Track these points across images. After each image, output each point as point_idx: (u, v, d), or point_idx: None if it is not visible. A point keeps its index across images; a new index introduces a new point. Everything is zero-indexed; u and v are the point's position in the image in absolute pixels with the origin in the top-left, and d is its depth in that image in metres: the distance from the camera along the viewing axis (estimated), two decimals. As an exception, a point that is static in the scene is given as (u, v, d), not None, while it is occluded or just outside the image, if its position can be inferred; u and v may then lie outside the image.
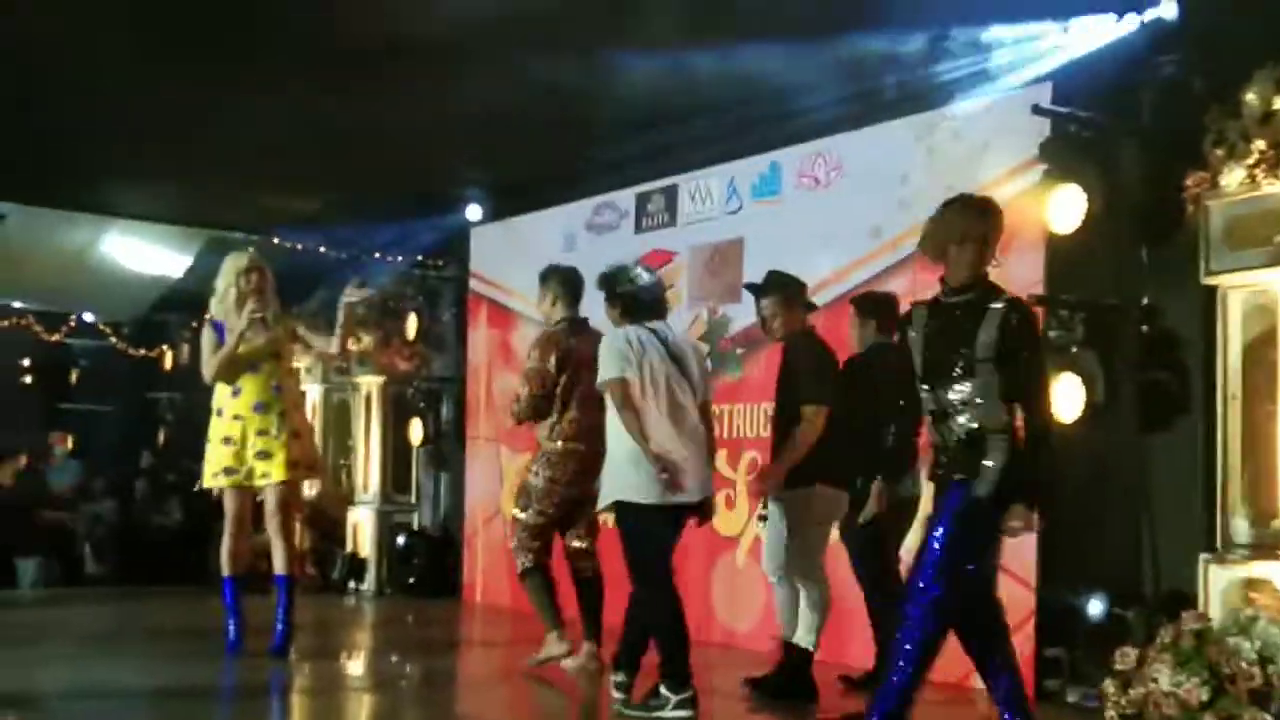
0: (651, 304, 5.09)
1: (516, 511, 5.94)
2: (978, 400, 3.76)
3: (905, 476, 5.26)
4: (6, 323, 12.64)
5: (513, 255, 8.71)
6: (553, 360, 5.72)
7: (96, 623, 8.34)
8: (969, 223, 3.87)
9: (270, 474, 5.84)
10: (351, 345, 9.93)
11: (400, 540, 9.78)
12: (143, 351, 13.19)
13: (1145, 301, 5.53)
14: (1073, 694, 5.33)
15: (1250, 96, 4.94)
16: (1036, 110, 5.48)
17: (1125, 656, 4.67)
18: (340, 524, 10.18)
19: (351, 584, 9.89)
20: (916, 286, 6.14)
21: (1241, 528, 4.98)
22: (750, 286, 5.73)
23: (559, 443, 5.73)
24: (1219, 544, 5.01)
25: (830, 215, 6.64)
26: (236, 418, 5.88)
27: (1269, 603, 4.78)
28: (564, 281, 5.94)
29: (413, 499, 10.14)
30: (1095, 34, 5.43)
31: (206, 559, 8.98)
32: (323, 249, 9.71)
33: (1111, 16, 5.37)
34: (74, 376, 13.67)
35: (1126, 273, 5.56)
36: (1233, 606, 4.83)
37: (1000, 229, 3.98)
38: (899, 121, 6.36)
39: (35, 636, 7.35)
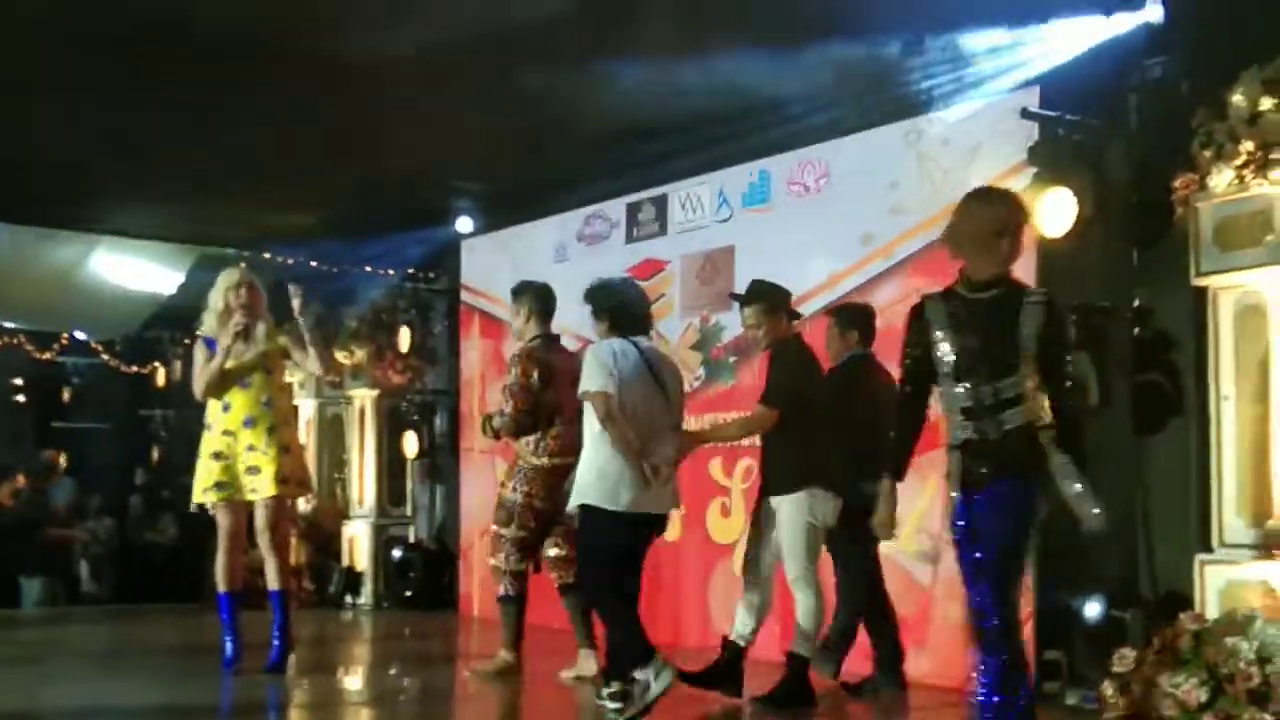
0: (638, 318, 5.17)
1: (498, 528, 5.94)
2: (1026, 395, 3.64)
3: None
4: (-1, 343, 12.63)
5: (504, 267, 8.71)
6: (535, 376, 5.76)
7: (94, 641, 8.32)
8: (996, 216, 3.74)
9: (258, 489, 5.82)
10: (345, 359, 9.95)
11: (396, 553, 9.78)
12: (135, 369, 13.15)
13: (1137, 304, 5.55)
14: (1071, 696, 5.33)
15: (1237, 98, 4.96)
16: (1025, 114, 5.49)
17: (1123, 658, 4.67)
18: (336, 538, 10.17)
19: (348, 598, 9.88)
20: (909, 292, 6.16)
21: (1237, 527, 4.99)
22: (734, 296, 5.74)
23: (545, 459, 5.79)
24: (1215, 544, 5.03)
25: (821, 222, 6.65)
26: (226, 433, 5.86)
27: (1266, 602, 4.80)
28: (538, 297, 6.01)
29: (408, 512, 10.13)
30: (1082, 37, 5.45)
31: (202, 576, 8.97)
32: (314, 264, 9.69)
33: (1098, 20, 5.39)
34: (66, 395, 13.62)
35: (1117, 275, 5.57)
36: (1230, 607, 4.84)
37: (1026, 221, 3.88)
38: (887, 127, 6.37)
39: (35, 655, 7.33)
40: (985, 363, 3.66)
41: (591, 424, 4.93)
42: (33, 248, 10.21)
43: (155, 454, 13.21)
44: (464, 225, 9.36)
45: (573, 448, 5.49)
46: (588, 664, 5.78)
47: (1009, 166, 5.59)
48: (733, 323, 7.01)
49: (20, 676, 6.40)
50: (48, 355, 13.02)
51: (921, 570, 6.00)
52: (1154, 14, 5.29)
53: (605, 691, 4.89)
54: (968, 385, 3.69)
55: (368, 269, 9.85)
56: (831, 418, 5.21)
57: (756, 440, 5.59)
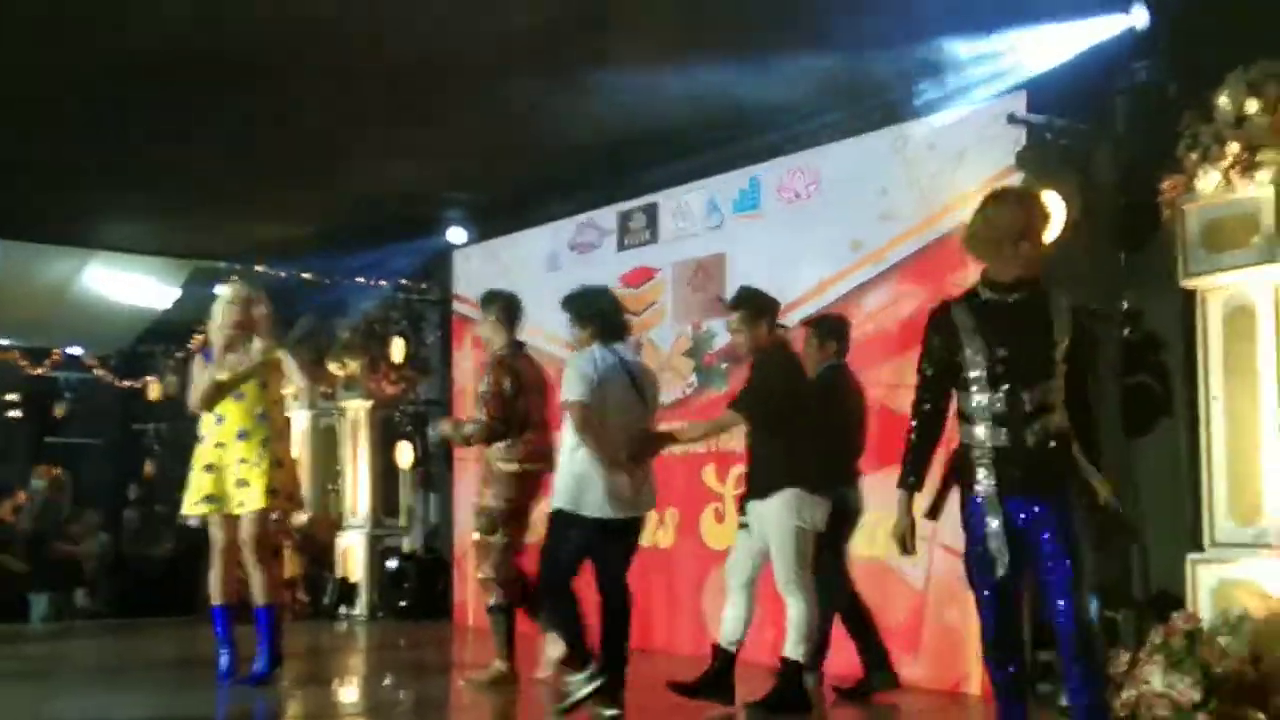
0: (617, 326, 5.31)
1: (483, 536, 5.95)
2: (1057, 402, 3.55)
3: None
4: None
5: (496, 277, 8.68)
6: (508, 384, 5.81)
7: (92, 655, 8.30)
8: (1013, 218, 3.64)
9: (246, 502, 5.81)
10: (338, 371, 9.95)
11: (391, 564, 9.77)
12: (129, 383, 13.13)
13: (1125, 306, 5.56)
14: (1065, 697, 5.32)
15: (1223, 100, 4.99)
16: (1012, 119, 5.52)
17: (1117, 659, 4.69)
18: (330, 549, 10.16)
19: (343, 609, 9.86)
20: (899, 298, 6.19)
21: (1227, 527, 5.01)
22: (722, 301, 5.78)
23: (516, 464, 5.85)
24: (1206, 544, 5.05)
25: (811, 229, 6.68)
26: (219, 445, 5.87)
27: (1258, 602, 4.81)
28: (506, 307, 6.08)
29: (402, 522, 10.13)
30: (1068, 42, 5.47)
31: (197, 589, 8.95)
32: (306, 276, 9.70)
33: (1084, 24, 5.41)
34: (60, 409, 13.59)
35: (1106, 277, 5.59)
36: (1222, 606, 4.85)
37: (1046, 222, 3.81)
38: (876, 134, 6.40)
39: (32, 671, 7.30)
40: (1020, 368, 3.54)
41: (570, 431, 5.06)
42: (27, 263, 10.20)
43: (149, 468, 13.18)
44: (456, 235, 9.38)
45: (541, 454, 5.78)
46: (501, 671, 5.89)
47: (997, 171, 5.61)
48: (724, 329, 7.00)
49: (21, 691, 6.38)
50: (41, 370, 13.00)
51: (914, 573, 6.01)
52: (1139, 18, 5.32)
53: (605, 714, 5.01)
54: (1002, 391, 3.54)
55: (360, 280, 9.85)
56: (813, 424, 5.23)
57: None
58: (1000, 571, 3.57)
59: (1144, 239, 5.41)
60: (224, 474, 5.84)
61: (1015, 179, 5.50)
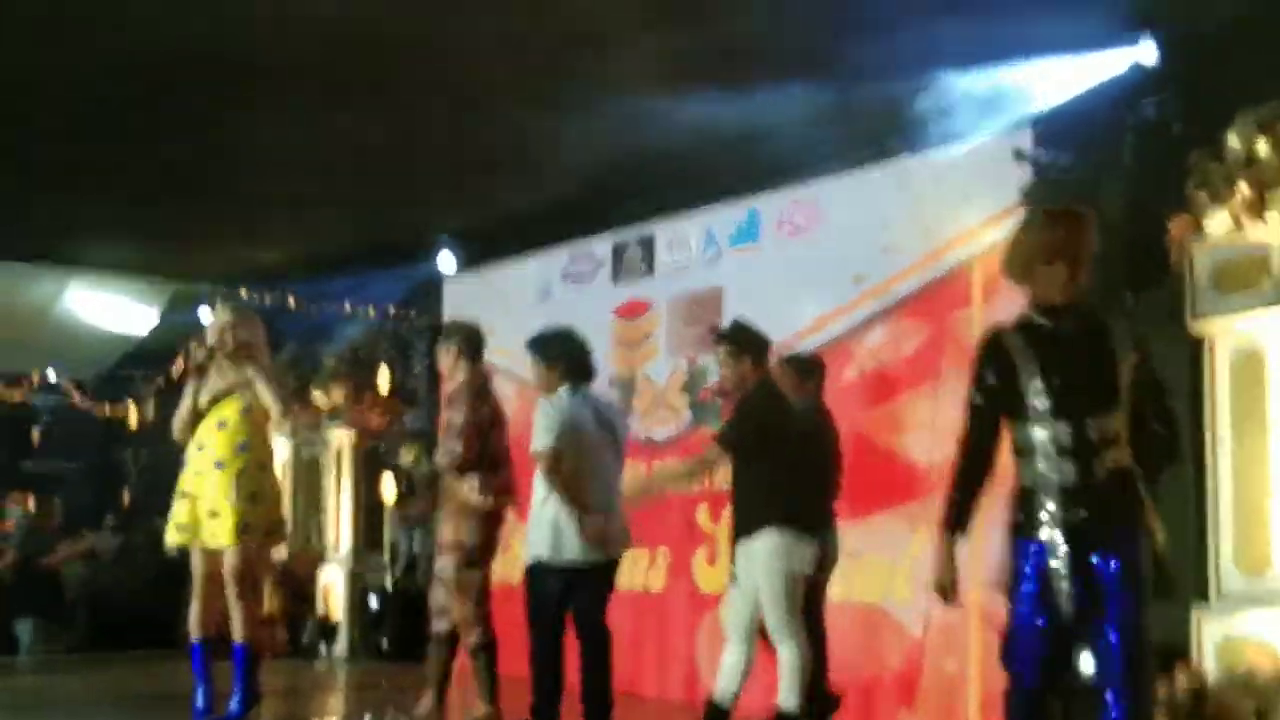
0: (586, 367, 5.37)
1: (459, 573, 5.66)
2: (1121, 434, 3.27)
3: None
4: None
5: (487, 306, 8.55)
6: (484, 413, 5.65)
7: (64, 690, 8.07)
8: (1049, 240, 3.38)
9: (217, 536, 5.64)
10: (321, 401, 9.78)
11: (373, 601, 9.55)
12: (107, 408, 12.96)
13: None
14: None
15: (1232, 139, 4.94)
16: (1018, 155, 5.45)
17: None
18: (311, 584, 9.94)
19: (323, 648, 9.63)
20: (902, 334, 6.07)
21: (1234, 577, 4.90)
22: (712, 335, 5.63)
23: (491, 498, 5.65)
24: (1212, 595, 4.93)
25: (810, 263, 6.57)
26: (197, 473, 5.71)
27: (1264, 659, 4.69)
28: (469, 338, 5.87)
29: (385, 558, 9.92)
30: (1076, 77, 5.41)
31: (175, 622, 8.74)
32: (291, 301, 9.55)
33: (1092, 60, 5.35)
34: (36, 435, 13.40)
35: (1111, 317, 5.47)
36: (1227, 661, 4.74)
37: (1091, 242, 3.44)
38: (879, 168, 6.31)
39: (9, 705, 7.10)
40: (1083, 397, 3.26)
41: (540, 481, 5.14)
42: (9, 285, 10.08)
43: (127, 496, 12.99)
44: (446, 264, 9.24)
45: (508, 489, 5.70)
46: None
47: (1002, 207, 5.52)
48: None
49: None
50: (18, 395, 12.82)
51: (911, 620, 5.86)
52: (1148, 54, 5.26)
53: None
54: (1066, 422, 3.24)
55: (346, 307, 9.71)
56: (797, 462, 5.11)
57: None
58: (1108, 637, 3.14)
59: (1151, 278, 5.31)
60: (197, 504, 5.67)
61: (1020, 215, 5.41)
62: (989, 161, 5.69)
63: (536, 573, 5.20)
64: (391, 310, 9.89)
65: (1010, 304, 5.39)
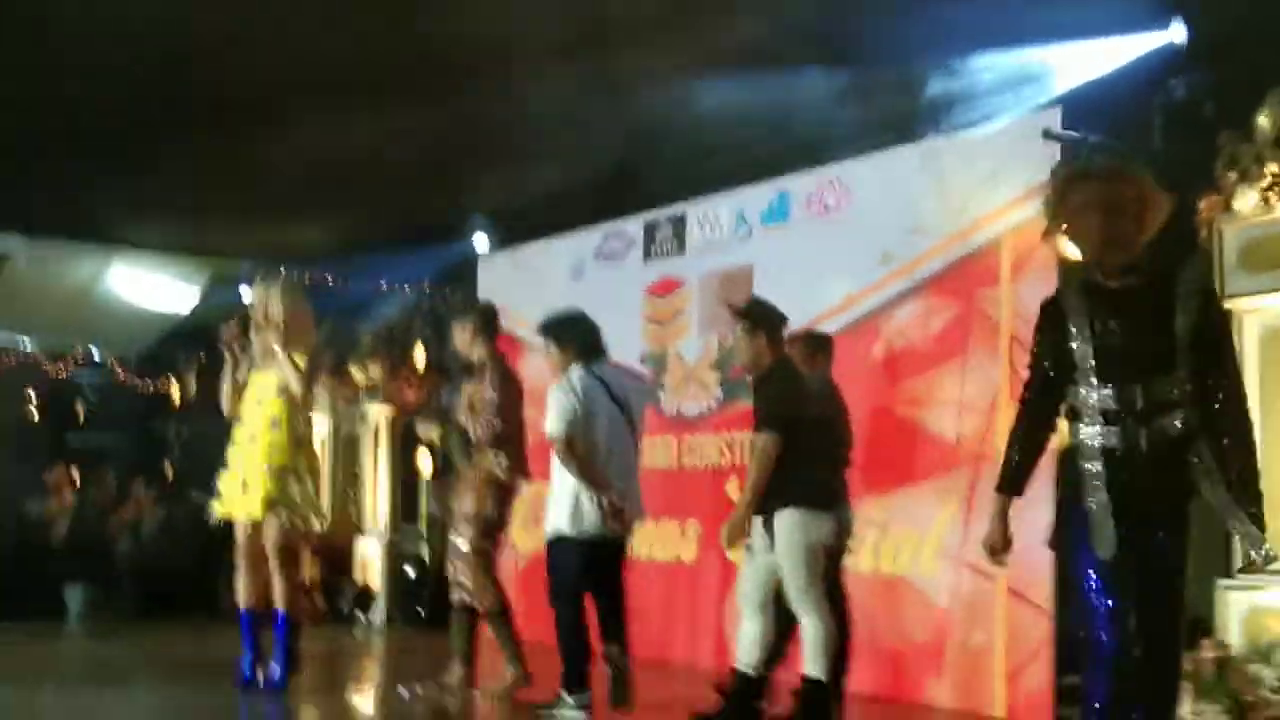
0: (598, 346, 5.47)
1: (477, 542, 5.80)
2: (1181, 401, 3.11)
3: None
4: (14, 359, 12.67)
5: (521, 284, 8.69)
6: (511, 390, 5.80)
7: (110, 656, 8.25)
8: (1090, 188, 3.21)
9: (249, 508, 5.79)
10: (359, 378, 9.92)
11: (409, 571, 9.74)
12: (150, 385, 13.19)
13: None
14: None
15: (1262, 120, 4.95)
16: (1047, 135, 5.45)
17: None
18: (349, 554, 10.14)
19: (360, 615, 9.84)
20: (930, 312, 6.13)
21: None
22: (729, 310, 5.63)
23: (508, 475, 5.81)
24: (1236, 569, 4.97)
25: (840, 242, 6.62)
26: (236, 446, 5.88)
27: (1289, 630, 4.74)
28: (484, 316, 6.00)
29: (421, 529, 10.10)
30: (1105, 58, 5.42)
31: (218, 592, 8.95)
32: (329, 279, 9.69)
33: (1122, 40, 5.36)
34: (81, 410, 13.65)
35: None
36: (1252, 633, 4.78)
37: (1137, 197, 3.25)
38: (908, 148, 6.35)
39: (40, 670, 7.30)
40: (1131, 359, 3.13)
41: (556, 462, 5.30)
42: (53, 266, 10.25)
43: (170, 470, 13.22)
44: (481, 242, 9.36)
45: (525, 465, 5.85)
46: (516, 677, 5.81)
47: (1031, 187, 5.55)
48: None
49: (32, 693, 6.38)
50: (62, 372, 13.06)
51: (938, 593, 5.94)
52: (1178, 34, 5.27)
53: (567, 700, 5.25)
54: (1111, 385, 3.14)
55: (383, 284, 9.83)
56: (815, 439, 5.15)
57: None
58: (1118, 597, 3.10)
59: (1180, 258, 5.32)
60: (233, 476, 5.84)
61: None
62: (1018, 142, 5.70)
63: (557, 546, 5.36)
64: (427, 288, 10.02)
65: (1038, 283, 5.50)
